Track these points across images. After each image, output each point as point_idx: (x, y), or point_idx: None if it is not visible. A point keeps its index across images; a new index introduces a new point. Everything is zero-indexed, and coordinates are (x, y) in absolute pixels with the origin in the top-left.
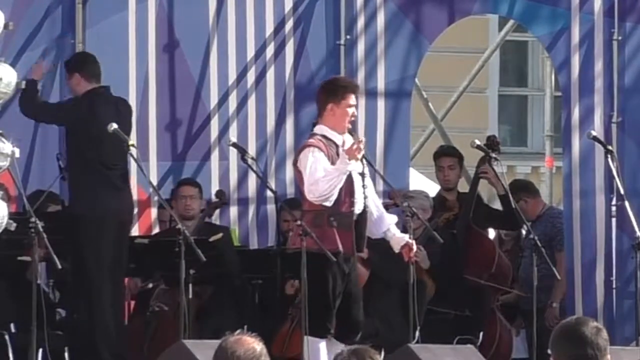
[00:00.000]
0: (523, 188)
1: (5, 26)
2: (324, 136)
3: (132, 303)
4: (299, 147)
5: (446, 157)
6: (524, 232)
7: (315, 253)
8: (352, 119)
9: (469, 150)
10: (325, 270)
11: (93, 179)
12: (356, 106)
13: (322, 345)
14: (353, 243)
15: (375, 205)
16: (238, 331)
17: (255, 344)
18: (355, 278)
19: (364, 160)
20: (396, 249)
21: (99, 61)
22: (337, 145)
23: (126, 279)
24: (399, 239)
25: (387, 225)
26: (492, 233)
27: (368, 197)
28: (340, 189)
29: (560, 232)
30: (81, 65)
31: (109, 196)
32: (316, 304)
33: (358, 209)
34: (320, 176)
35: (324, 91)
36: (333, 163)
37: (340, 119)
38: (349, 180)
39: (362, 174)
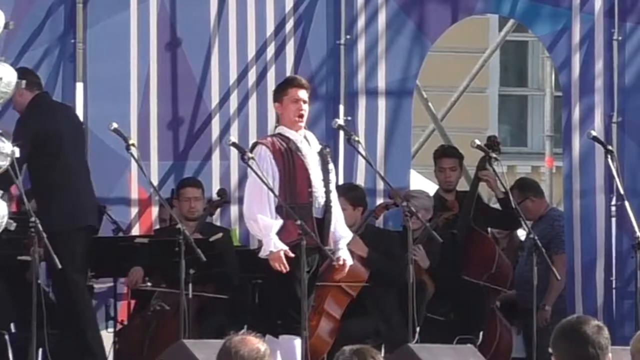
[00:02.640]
0: (530, 187)
1: (6, 25)
2: (279, 134)
3: (132, 302)
4: (250, 146)
5: (448, 158)
6: (519, 231)
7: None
8: (300, 112)
9: (469, 150)
10: (291, 267)
11: (59, 194)
12: (303, 101)
13: (297, 342)
14: (315, 234)
15: (335, 215)
16: (242, 331)
17: (259, 344)
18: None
19: (326, 158)
20: (334, 261)
21: (37, 73)
22: (289, 140)
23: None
24: (338, 256)
25: (339, 237)
26: None
27: (332, 193)
28: (296, 179)
29: (558, 234)
30: (20, 76)
31: (77, 206)
32: (286, 301)
33: (319, 202)
34: (257, 205)
35: (273, 93)
36: (282, 157)
37: (287, 115)
38: (304, 171)
39: (326, 170)
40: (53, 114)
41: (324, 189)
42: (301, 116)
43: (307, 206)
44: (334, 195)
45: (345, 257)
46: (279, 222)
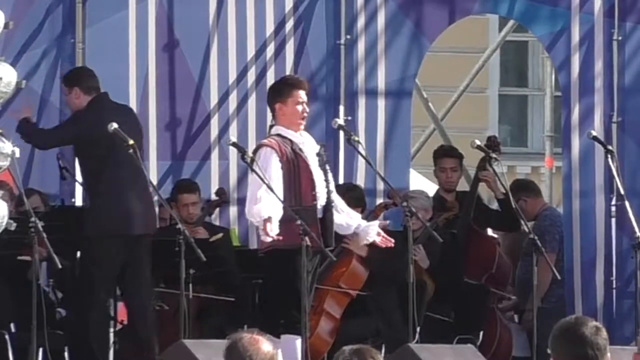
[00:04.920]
0: (523, 187)
1: (6, 25)
2: (279, 135)
3: None
4: (255, 147)
5: (449, 158)
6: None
7: (281, 250)
8: (304, 114)
9: (469, 150)
10: (294, 267)
11: (101, 198)
12: (306, 102)
13: (298, 342)
14: (319, 236)
15: (342, 203)
16: (255, 330)
17: (267, 345)
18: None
19: (324, 157)
20: (372, 238)
21: (96, 75)
22: (292, 142)
23: None
24: (371, 226)
25: (357, 222)
26: None
27: (333, 192)
28: (301, 181)
29: (544, 234)
30: (79, 79)
31: (127, 213)
32: (287, 301)
33: (321, 202)
34: (260, 198)
35: (271, 92)
36: (287, 159)
37: (291, 117)
38: (308, 172)
39: (325, 170)
40: (107, 117)
41: (325, 190)
42: (304, 118)
43: (312, 209)
44: (334, 194)
45: (375, 227)
46: (271, 203)
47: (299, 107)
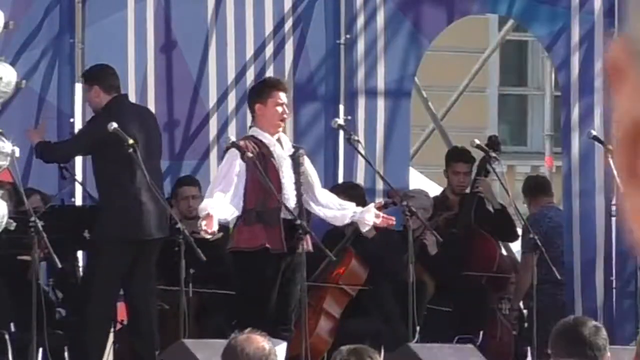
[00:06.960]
0: (529, 186)
1: (6, 25)
2: (253, 136)
3: None
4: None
5: (464, 163)
6: None
7: (242, 251)
8: (284, 116)
9: (469, 150)
10: (254, 270)
11: (111, 203)
12: (287, 104)
13: (281, 347)
14: (282, 239)
15: (331, 198)
16: (248, 329)
17: (264, 342)
18: (300, 279)
19: (298, 160)
20: (371, 221)
21: (117, 73)
22: (264, 145)
23: None
24: (367, 210)
25: (351, 210)
26: None
27: (304, 195)
28: (271, 184)
29: (525, 232)
30: (100, 77)
31: (126, 217)
32: (255, 303)
33: (290, 205)
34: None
35: (252, 93)
36: (259, 161)
37: (270, 118)
38: (276, 176)
39: (298, 173)
40: (124, 119)
41: (294, 192)
42: (284, 120)
43: (275, 211)
44: (325, 191)
45: (372, 211)
46: (217, 199)
47: (279, 109)
